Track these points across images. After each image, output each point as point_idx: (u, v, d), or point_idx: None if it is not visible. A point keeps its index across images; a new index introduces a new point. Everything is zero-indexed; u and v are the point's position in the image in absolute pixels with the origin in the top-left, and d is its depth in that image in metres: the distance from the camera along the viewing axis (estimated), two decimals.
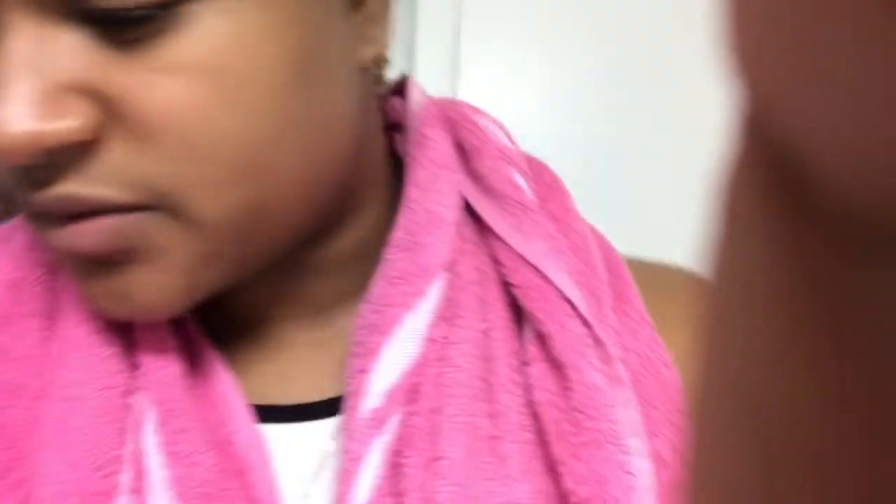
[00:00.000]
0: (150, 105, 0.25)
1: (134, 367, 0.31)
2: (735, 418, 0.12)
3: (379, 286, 0.32)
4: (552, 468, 0.30)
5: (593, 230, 0.36)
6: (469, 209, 0.34)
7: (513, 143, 0.36)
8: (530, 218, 0.33)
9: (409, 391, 0.30)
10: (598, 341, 0.31)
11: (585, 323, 0.31)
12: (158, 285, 0.28)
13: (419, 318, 0.31)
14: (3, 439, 0.29)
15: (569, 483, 0.29)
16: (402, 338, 0.31)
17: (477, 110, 0.36)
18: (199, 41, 0.25)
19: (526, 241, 0.32)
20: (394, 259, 0.32)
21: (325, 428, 0.32)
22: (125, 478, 0.29)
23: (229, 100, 0.26)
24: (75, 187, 0.26)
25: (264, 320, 0.35)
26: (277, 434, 0.31)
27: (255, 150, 0.27)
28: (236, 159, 0.27)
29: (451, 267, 0.32)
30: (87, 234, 0.27)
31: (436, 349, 0.31)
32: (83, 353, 0.30)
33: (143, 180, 0.26)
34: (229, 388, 0.31)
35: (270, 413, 0.32)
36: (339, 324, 0.34)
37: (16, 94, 0.24)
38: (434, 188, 0.33)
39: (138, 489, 0.29)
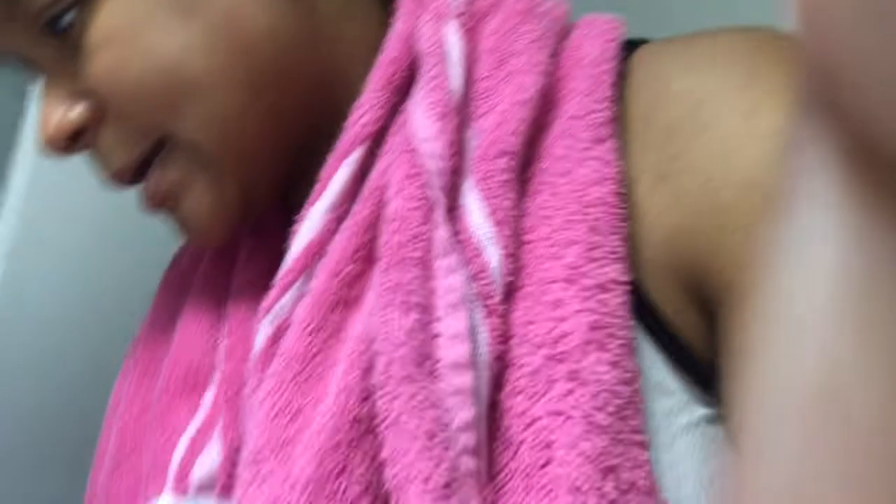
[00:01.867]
0: (96, 86, 0.36)
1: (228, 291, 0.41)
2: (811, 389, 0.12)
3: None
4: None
5: (584, 35, 0.36)
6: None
7: None
8: (433, 64, 0.34)
9: (299, 272, 0.35)
10: (423, 184, 0.32)
11: (413, 154, 0.32)
12: (203, 214, 0.38)
13: (317, 209, 0.35)
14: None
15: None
16: (303, 227, 0.35)
17: None
18: (102, 21, 0.35)
19: (419, 91, 0.34)
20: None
21: None
22: (215, 375, 0.39)
23: (135, 51, 0.35)
24: (111, 163, 0.38)
25: None
26: None
27: (175, 75, 0.35)
28: (167, 89, 0.35)
29: (368, 145, 0.35)
30: (151, 187, 0.39)
31: (335, 221, 0.35)
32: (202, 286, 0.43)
33: (138, 135, 0.37)
34: None
35: None
36: None
37: (46, 109, 0.37)
38: (370, 81, 0.36)
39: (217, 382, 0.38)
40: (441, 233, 0.31)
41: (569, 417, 0.27)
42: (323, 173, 0.36)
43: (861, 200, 0.10)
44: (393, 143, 0.35)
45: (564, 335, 0.29)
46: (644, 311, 0.31)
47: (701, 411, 0.31)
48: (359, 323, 0.32)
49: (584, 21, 0.38)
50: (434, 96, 0.33)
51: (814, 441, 0.12)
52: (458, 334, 0.29)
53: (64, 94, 0.37)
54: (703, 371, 0.31)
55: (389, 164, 0.34)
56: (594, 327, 0.28)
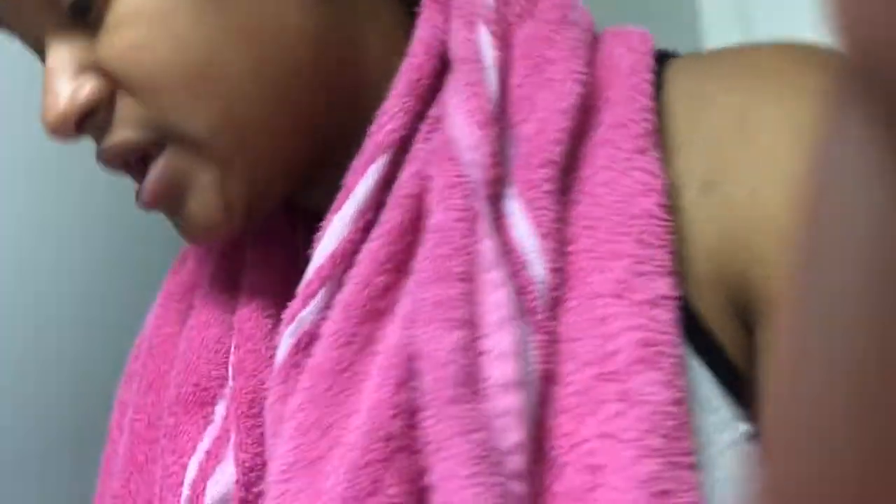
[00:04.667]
0: (114, 61, 0.34)
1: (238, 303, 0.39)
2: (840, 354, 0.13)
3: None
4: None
5: (617, 46, 0.35)
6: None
7: None
8: (468, 70, 0.33)
9: (324, 281, 0.34)
10: (461, 184, 0.31)
11: (457, 163, 0.31)
12: (207, 211, 0.36)
13: (341, 218, 0.34)
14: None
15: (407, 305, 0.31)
16: (326, 236, 0.34)
17: None
18: (126, 1, 0.33)
19: (454, 96, 0.33)
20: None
21: None
22: (225, 389, 0.37)
23: (162, 34, 0.33)
24: (110, 137, 0.35)
25: None
26: None
27: (198, 66, 0.34)
28: (187, 79, 0.34)
29: (393, 153, 0.34)
30: (149, 187, 0.36)
31: (360, 235, 0.34)
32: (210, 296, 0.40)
33: (145, 120, 0.35)
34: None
35: None
36: None
37: (49, 91, 0.35)
38: (394, 88, 0.35)
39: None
40: (487, 246, 0.30)
41: (619, 440, 0.27)
42: (347, 180, 0.34)
43: None
44: (420, 149, 0.34)
45: (613, 353, 0.28)
46: (691, 325, 0.30)
47: (743, 428, 0.31)
48: (391, 335, 0.31)
49: (612, 31, 0.37)
50: (473, 103, 0.32)
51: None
52: (505, 352, 0.28)
53: (71, 69, 0.35)
54: (745, 386, 0.31)
55: (418, 171, 0.33)
56: (644, 345, 0.28)
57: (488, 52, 0.34)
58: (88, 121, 0.35)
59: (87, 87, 0.34)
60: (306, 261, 0.35)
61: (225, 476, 0.35)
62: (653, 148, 0.31)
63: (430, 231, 0.31)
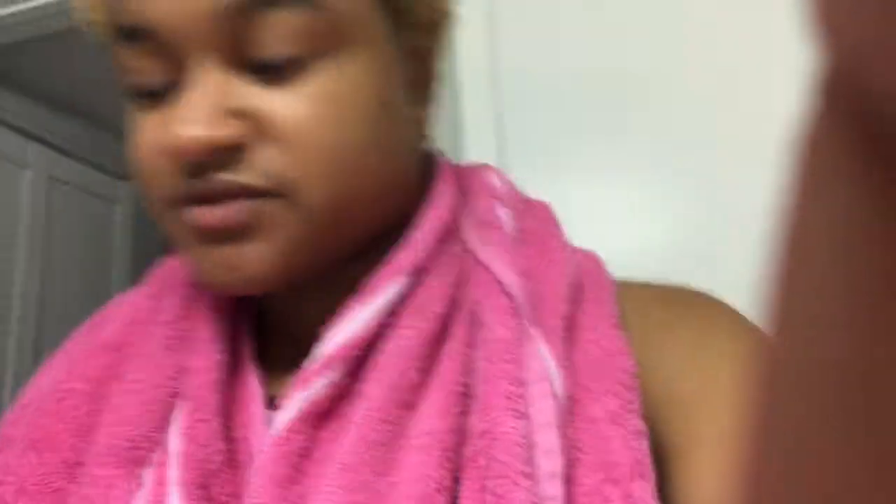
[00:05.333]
0: (286, 120, 0.37)
1: (184, 371, 0.40)
2: (816, 377, 0.12)
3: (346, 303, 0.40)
4: (463, 410, 0.36)
5: (586, 255, 0.45)
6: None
7: (507, 186, 0.47)
8: (497, 233, 0.43)
9: (343, 361, 0.37)
10: (514, 310, 0.38)
11: (508, 296, 0.39)
12: (263, 258, 0.38)
13: (368, 309, 0.39)
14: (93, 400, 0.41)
15: (471, 419, 0.36)
16: (345, 323, 0.38)
17: (486, 166, 0.49)
18: (317, 81, 0.37)
19: (485, 247, 0.42)
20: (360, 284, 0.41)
21: None
22: (155, 455, 0.38)
23: (335, 120, 0.38)
24: (227, 176, 0.37)
25: (306, 335, 0.41)
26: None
27: (351, 156, 0.38)
28: (338, 161, 0.38)
29: (417, 273, 0.40)
30: (221, 211, 0.37)
31: (382, 329, 0.39)
32: (151, 359, 0.41)
33: (274, 172, 0.37)
34: (255, 392, 0.40)
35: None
36: None
37: (192, 112, 0.36)
38: (419, 226, 0.42)
39: (161, 463, 0.37)
40: (537, 363, 0.37)
41: None
42: (374, 279, 0.40)
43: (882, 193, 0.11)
44: (443, 278, 0.41)
45: (615, 464, 0.35)
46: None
47: None
48: (425, 420, 0.36)
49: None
50: (508, 259, 0.41)
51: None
52: (553, 449, 0.35)
53: (222, 102, 0.37)
54: None
55: (446, 293, 0.40)
56: (637, 462, 0.35)
57: (509, 222, 0.44)
58: (216, 153, 0.36)
59: (234, 126, 0.37)
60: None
61: None
62: (621, 327, 0.41)
63: (491, 342, 0.37)
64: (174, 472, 0.36)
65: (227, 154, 0.37)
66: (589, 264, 0.44)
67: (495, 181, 0.47)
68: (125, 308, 0.46)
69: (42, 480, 0.38)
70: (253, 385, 0.40)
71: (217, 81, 0.37)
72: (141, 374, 0.40)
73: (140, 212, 2.37)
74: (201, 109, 0.36)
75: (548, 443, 0.35)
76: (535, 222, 0.45)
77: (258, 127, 0.37)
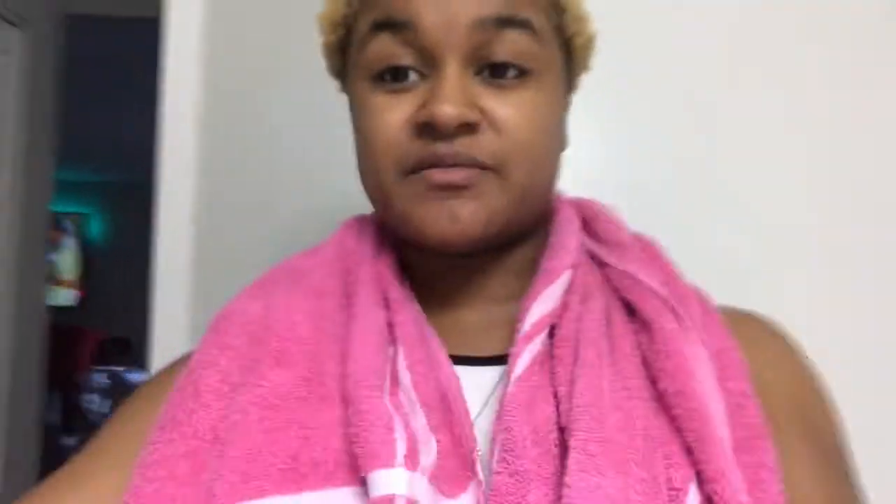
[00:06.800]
0: (506, 118, 0.50)
1: (392, 325, 0.52)
2: None
3: (536, 282, 0.53)
4: (650, 377, 0.49)
5: (694, 288, 0.56)
6: (590, 256, 0.57)
7: (615, 215, 0.60)
8: (630, 252, 0.56)
9: (549, 325, 0.51)
10: (672, 309, 0.51)
11: (664, 301, 0.51)
12: (476, 215, 0.49)
13: (555, 288, 0.52)
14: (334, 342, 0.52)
15: (660, 383, 0.48)
16: (543, 298, 0.51)
17: (595, 201, 0.61)
18: (526, 94, 0.51)
19: (624, 262, 0.55)
20: (542, 268, 0.54)
21: (493, 371, 0.52)
22: (386, 383, 0.48)
23: (536, 125, 0.51)
24: (462, 148, 0.49)
25: (453, 307, 0.57)
26: (464, 372, 0.50)
27: (542, 152, 0.52)
28: (535, 154, 0.51)
29: (574, 268, 0.54)
30: (455, 173, 0.49)
31: (566, 306, 0.52)
32: (368, 319, 0.52)
33: (492, 153, 0.49)
34: (438, 345, 0.51)
35: (458, 360, 0.52)
36: (502, 314, 0.55)
37: (451, 94, 0.48)
38: (565, 232, 0.56)
39: (393, 392, 0.48)
40: (698, 350, 0.50)
41: None
42: (551, 268, 0.53)
43: None
44: (585, 270, 0.55)
45: (750, 425, 0.49)
46: None
47: None
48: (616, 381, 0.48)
49: None
50: (649, 272, 0.55)
51: None
52: (718, 398, 0.49)
53: (468, 90, 0.49)
54: None
55: (596, 284, 0.54)
56: (762, 425, 0.49)
57: (635, 243, 0.58)
58: (461, 129, 0.48)
59: (475, 113, 0.49)
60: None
61: (431, 448, 0.46)
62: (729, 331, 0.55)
63: (666, 331, 0.49)
64: (411, 395, 0.48)
65: (466, 131, 0.49)
66: (697, 291, 0.56)
67: (607, 210, 0.61)
68: (323, 266, 0.57)
69: (291, 392, 0.48)
70: (435, 339, 0.52)
71: (462, 76, 0.49)
72: (366, 322, 0.51)
73: (35, 65, 2.17)
74: (457, 94, 0.48)
75: (717, 398, 0.48)
76: (648, 246, 0.59)
77: (486, 118, 0.49)
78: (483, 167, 0.49)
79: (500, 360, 0.52)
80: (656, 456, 0.45)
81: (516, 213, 0.51)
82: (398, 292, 0.54)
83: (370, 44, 0.51)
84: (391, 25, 0.50)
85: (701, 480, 0.44)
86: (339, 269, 0.57)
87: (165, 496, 0.46)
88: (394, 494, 0.42)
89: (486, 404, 0.50)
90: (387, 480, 0.42)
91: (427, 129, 0.48)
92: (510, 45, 0.49)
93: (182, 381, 0.51)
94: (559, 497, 0.42)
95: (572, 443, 0.43)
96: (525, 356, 0.49)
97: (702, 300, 0.55)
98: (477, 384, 0.51)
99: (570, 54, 0.56)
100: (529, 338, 0.49)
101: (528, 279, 0.55)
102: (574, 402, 0.45)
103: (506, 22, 0.49)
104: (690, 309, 0.52)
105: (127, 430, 0.51)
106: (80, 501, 0.48)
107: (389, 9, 0.50)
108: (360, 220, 0.61)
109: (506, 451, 0.45)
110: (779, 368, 0.53)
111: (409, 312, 0.53)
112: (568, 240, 0.55)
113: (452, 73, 0.49)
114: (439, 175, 0.49)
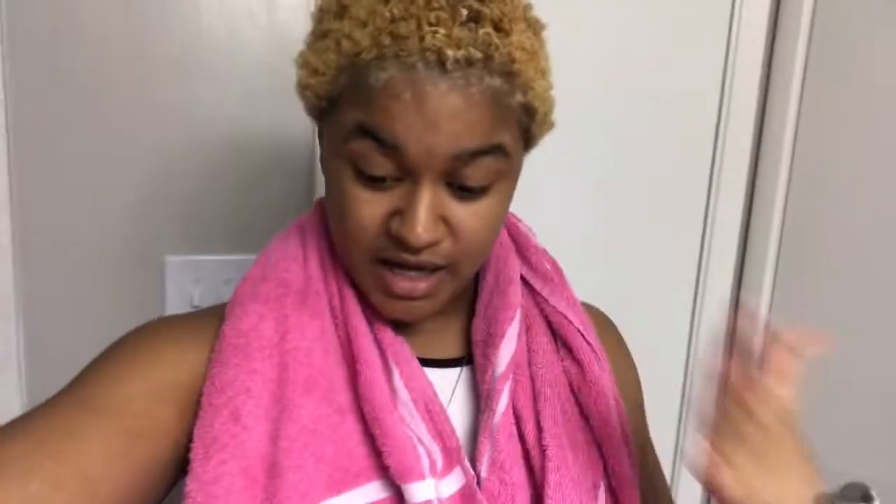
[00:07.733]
0: (467, 226, 0.58)
1: (382, 345, 0.63)
2: None
3: (487, 311, 0.68)
4: (582, 414, 0.68)
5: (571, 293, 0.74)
6: (522, 278, 0.71)
7: (532, 235, 0.74)
8: (556, 286, 0.72)
9: (515, 365, 0.65)
10: (595, 350, 0.69)
11: (588, 343, 0.69)
12: (427, 309, 0.62)
13: (514, 326, 0.66)
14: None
15: (588, 410, 0.67)
16: (508, 339, 0.65)
17: (518, 219, 0.75)
18: (489, 202, 0.58)
19: (554, 298, 0.71)
20: (490, 299, 0.69)
21: (452, 373, 0.67)
22: (392, 400, 0.61)
23: (492, 226, 0.60)
24: (425, 257, 0.58)
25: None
26: (430, 374, 0.64)
27: (490, 242, 0.61)
28: (485, 248, 0.61)
29: (521, 307, 0.68)
30: (416, 283, 0.59)
31: (524, 345, 0.67)
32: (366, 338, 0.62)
33: (448, 256, 0.58)
34: (412, 355, 0.64)
35: (424, 361, 0.65)
36: (454, 321, 0.70)
37: (424, 219, 0.55)
38: (505, 264, 0.70)
39: (395, 406, 0.61)
40: (608, 375, 0.71)
41: None
42: (509, 307, 0.67)
43: None
44: (528, 304, 0.71)
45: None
46: None
47: None
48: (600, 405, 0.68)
49: None
50: (573, 308, 0.72)
51: None
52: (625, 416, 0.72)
53: (437, 211, 0.56)
54: None
55: (538, 321, 0.71)
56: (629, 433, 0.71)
57: (556, 274, 0.74)
58: (429, 246, 0.57)
59: (441, 231, 0.57)
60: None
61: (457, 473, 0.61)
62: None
63: (587, 361, 0.69)
64: (410, 409, 0.60)
65: (431, 245, 0.57)
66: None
67: (532, 237, 0.74)
68: (309, 283, 0.64)
69: (322, 415, 0.58)
70: (409, 349, 0.64)
71: (436, 195, 0.56)
72: (361, 343, 0.61)
73: None
74: (430, 219, 0.55)
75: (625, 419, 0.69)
76: (558, 270, 0.74)
77: (450, 229, 0.57)
78: (439, 268, 0.59)
79: (455, 362, 0.68)
80: (590, 462, 0.66)
81: (460, 287, 0.63)
82: (374, 312, 0.64)
83: (352, 142, 0.55)
84: (376, 139, 0.54)
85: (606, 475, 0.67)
86: (323, 289, 0.63)
87: None
88: (429, 500, 0.57)
89: (449, 402, 0.65)
90: (421, 491, 0.57)
91: (400, 239, 0.56)
92: (483, 170, 0.56)
93: (215, 400, 0.56)
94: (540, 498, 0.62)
95: (549, 465, 0.62)
96: (505, 393, 0.64)
97: (597, 323, 0.74)
98: (440, 387, 0.64)
99: (532, 139, 0.61)
100: (506, 377, 0.64)
101: (472, 289, 0.71)
102: (544, 427, 0.64)
103: (481, 152, 0.55)
104: (594, 337, 0.70)
105: (122, 389, 0.55)
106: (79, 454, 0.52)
107: (376, 127, 0.53)
108: (317, 235, 0.66)
109: (495, 465, 0.62)
110: (625, 360, 0.77)
111: (390, 331, 0.64)
112: (514, 273, 0.69)
113: (426, 195, 0.55)
114: (402, 284, 0.59)
